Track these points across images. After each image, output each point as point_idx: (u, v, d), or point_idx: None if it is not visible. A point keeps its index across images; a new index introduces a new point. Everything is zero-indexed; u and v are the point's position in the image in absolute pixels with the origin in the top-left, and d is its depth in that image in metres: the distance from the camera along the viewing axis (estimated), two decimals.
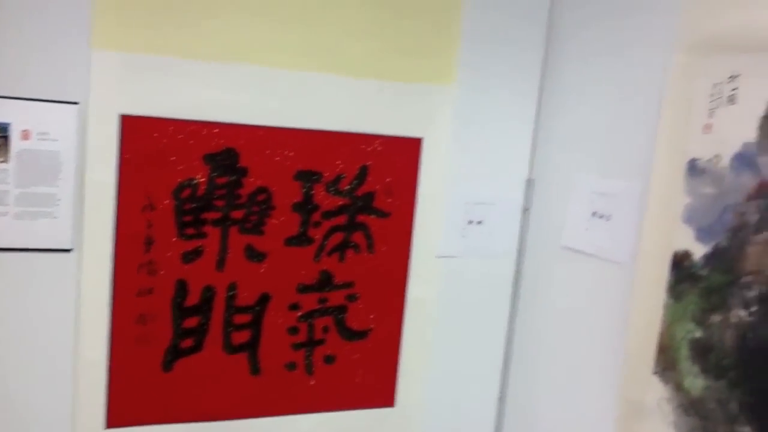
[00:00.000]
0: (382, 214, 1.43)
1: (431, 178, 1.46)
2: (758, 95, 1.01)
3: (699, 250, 1.10)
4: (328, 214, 1.39)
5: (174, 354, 1.32)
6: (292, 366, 1.41)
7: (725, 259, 1.05)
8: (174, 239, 1.28)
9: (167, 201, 1.27)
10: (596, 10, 1.41)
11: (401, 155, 1.43)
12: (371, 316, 1.46)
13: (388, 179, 1.43)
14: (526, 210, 1.57)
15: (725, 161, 1.06)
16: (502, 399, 1.64)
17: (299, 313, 1.40)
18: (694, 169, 1.11)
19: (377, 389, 1.50)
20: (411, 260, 1.47)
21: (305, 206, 1.37)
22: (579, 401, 1.41)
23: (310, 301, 1.41)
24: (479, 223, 1.53)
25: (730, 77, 1.05)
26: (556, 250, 1.48)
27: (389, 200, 1.43)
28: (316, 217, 1.38)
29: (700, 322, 1.09)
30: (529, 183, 1.57)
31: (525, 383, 1.59)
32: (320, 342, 1.43)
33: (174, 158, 1.26)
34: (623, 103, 1.33)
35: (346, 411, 1.48)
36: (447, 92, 1.44)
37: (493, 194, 1.54)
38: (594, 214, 1.37)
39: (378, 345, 1.48)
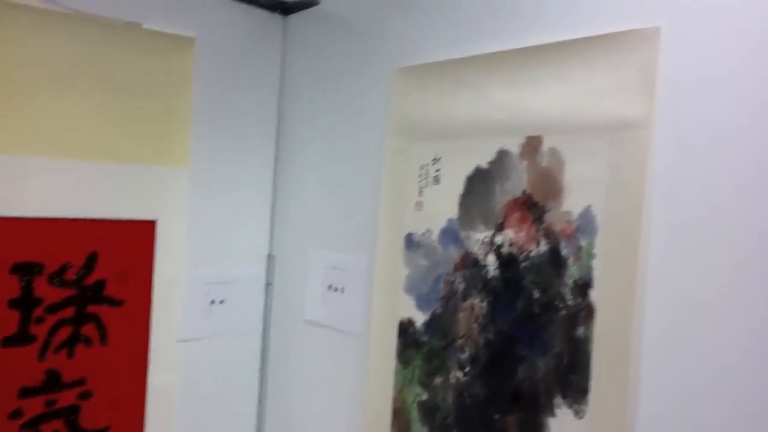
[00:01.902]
0: (115, 303, 1.35)
1: (168, 260, 1.41)
2: (456, 176, 1.13)
3: (420, 318, 1.19)
4: (53, 308, 1.28)
5: None
6: None
7: (441, 325, 1.15)
8: None
9: None
10: (322, 91, 1.50)
11: (134, 239, 1.37)
12: (108, 413, 1.36)
13: (120, 265, 1.35)
14: (268, 285, 1.59)
15: (435, 235, 1.16)
16: None
17: (22, 421, 1.26)
18: (410, 242, 1.21)
19: None
20: (150, 348, 1.40)
21: (24, 301, 1.25)
22: None
23: (35, 406, 1.27)
24: (222, 302, 1.51)
25: (434, 160, 1.17)
26: (299, 324, 1.51)
27: (123, 287, 1.36)
28: (38, 312, 1.26)
29: (426, 385, 1.17)
30: (270, 259, 1.59)
31: None
32: None
33: None
34: (350, 180, 1.41)
35: None
36: (181, 173, 1.42)
37: (234, 272, 1.53)
38: (330, 287, 1.42)
39: None
